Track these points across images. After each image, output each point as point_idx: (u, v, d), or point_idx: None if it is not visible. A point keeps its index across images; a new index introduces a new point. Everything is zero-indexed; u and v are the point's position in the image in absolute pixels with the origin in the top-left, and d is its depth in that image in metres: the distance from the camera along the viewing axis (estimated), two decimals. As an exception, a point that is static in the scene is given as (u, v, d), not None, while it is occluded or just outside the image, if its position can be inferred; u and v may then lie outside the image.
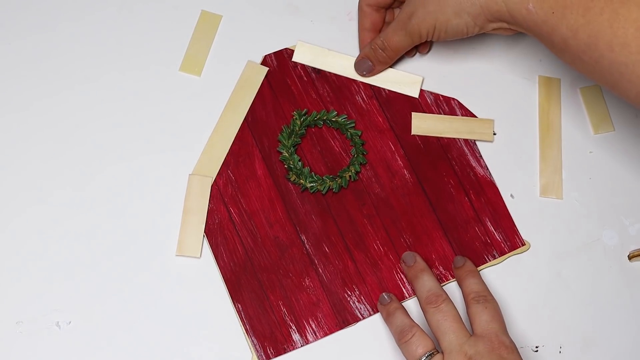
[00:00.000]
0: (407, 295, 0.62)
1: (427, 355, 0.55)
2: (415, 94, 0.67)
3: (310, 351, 0.61)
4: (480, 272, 0.63)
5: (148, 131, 0.65)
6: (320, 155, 0.65)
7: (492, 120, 0.67)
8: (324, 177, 0.64)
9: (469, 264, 0.62)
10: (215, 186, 0.64)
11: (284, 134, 0.64)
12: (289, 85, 0.67)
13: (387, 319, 0.59)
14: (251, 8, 0.69)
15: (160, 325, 0.60)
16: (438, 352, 0.55)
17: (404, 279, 0.62)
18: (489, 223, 0.64)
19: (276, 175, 0.64)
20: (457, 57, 0.69)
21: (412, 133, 0.66)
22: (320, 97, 0.67)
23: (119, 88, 0.66)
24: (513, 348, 0.55)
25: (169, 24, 0.68)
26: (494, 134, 0.67)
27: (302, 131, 0.65)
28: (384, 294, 0.61)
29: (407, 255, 0.62)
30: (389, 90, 0.67)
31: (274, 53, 0.68)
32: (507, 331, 0.56)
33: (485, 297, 0.58)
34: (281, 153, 0.64)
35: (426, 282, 0.59)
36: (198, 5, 0.69)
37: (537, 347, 0.62)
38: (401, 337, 0.56)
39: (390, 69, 0.67)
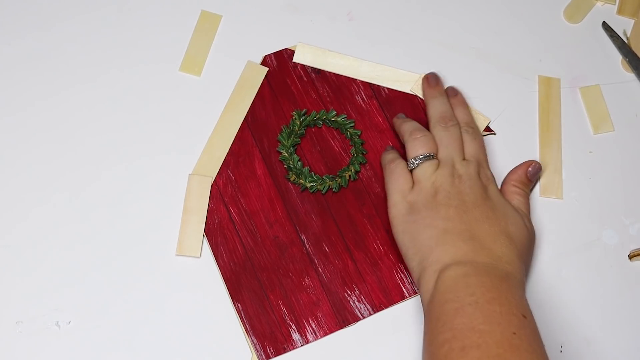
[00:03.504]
0: (407, 295, 0.62)
1: (425, 156, 0.60)
2: (418, 92, 0.67)
3: (310, 351, 0.61)
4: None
5: (148, 131, 0.65)
6: (320, 155, 0.65)
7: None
8: (323, 177, 0.64)
9: (461, 95, 0.66)
10: (215, 186, 0.64)
11: (284, 134, 0.64)
12: (289, 85, 0.67)
13: (400, 124, 0.64)
14: (251, 8, 0.69)
15: (160, 324, 0.60)
16: (435, 158, 0.60)
17: (404, 279, 0.62)
18: (489, 223, 0.64)
19: (276, 175, 0.64)
20: (456, 56, 0.69)
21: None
22: (320, 97, 0.67)
23: (118, 88, 0.66)
24: (493, 180, 0.61)
25: (169, 24, 0.68)
26: (494, 134, 0.67)
27: (301, 131, 0.65)
28: (397, 117, 0.66)
29: (433, 75, 0.66)
30: (388, 90, 0.67)
31: (274, 53, 0.68)
32: (489, 165, 0.63)
33: (473, 129, 0.63)
34: (281, 153, 0.64)
35: (443, 104, 0.64)
36: (198, 5, 0.69)
37: (537, 346, 0.62)
38: (412, 134, 0.61)
39: (390, 68, 0.67)
